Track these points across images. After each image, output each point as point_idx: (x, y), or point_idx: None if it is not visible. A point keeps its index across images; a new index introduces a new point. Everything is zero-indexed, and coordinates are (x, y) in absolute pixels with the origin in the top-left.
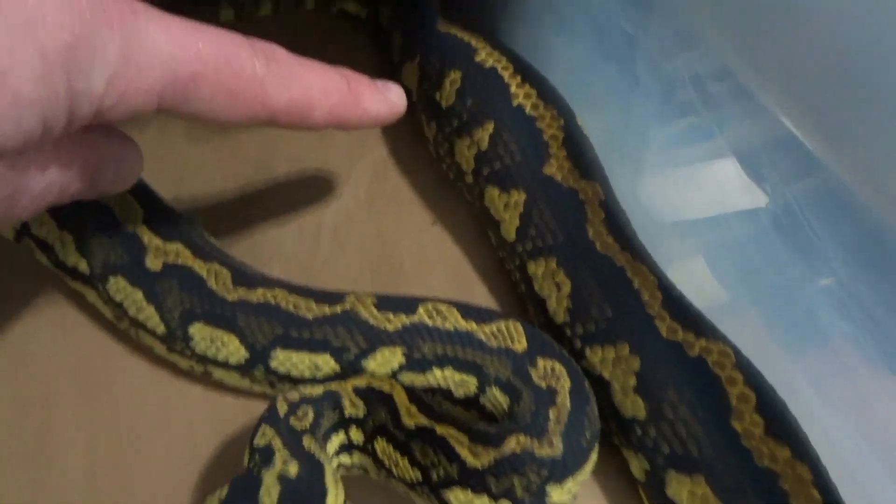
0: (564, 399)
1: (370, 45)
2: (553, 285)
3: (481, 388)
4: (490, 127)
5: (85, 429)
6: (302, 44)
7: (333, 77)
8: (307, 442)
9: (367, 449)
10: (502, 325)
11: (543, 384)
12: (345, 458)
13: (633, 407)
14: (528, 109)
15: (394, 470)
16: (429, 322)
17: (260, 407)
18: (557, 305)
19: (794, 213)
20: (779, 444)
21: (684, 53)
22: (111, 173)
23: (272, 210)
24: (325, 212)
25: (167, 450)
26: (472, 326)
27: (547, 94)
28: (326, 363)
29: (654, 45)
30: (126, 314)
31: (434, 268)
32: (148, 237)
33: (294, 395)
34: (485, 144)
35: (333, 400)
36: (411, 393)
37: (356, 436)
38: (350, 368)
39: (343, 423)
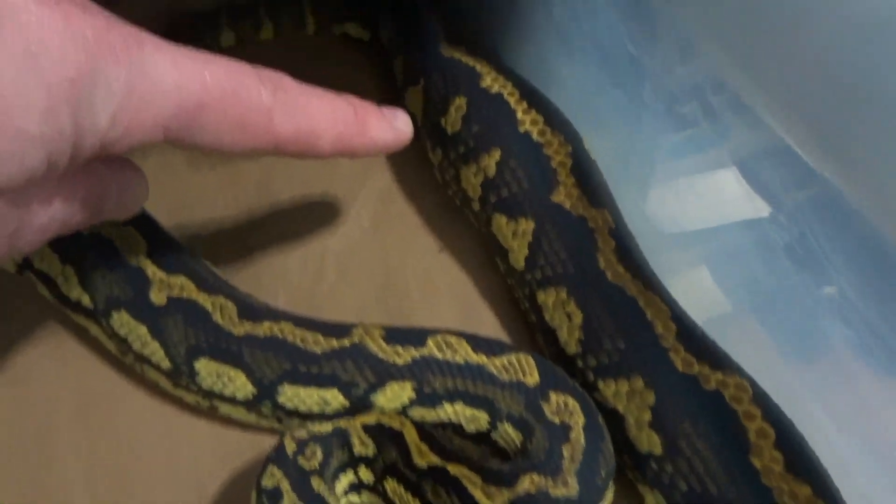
0: (578, 435)
1: (373, 68)
2: (564, 315)
3: (493, 424)
4: (497, 154)
5: (86, 464)
6: (304, 67)
7: (340, 105)
8: (316, 483)
9: (377, 489)
10: (513, 357)
11: (557, 420)
12: (354, 498)
13: (649, 442)
14: (535, 136)
15: None
16: (438, 355)
17: (267, 441)
18: (569, 336)
19: (795, 223)
20: (799, 481)
21: (685, 67)
22: (115, 201)
23: (275, 237)
24: (330, 239)
25: (172, 485)
26: (482, 359)
27: (554, 119)
28: (335, 398)
29: (658, 65)
30: (130, 349)
31: (441, 296)
32: (152, 270)
33: (302, 434)
34: (491, 172)
35: (342, 438)
36: (422, 430)
37: (366, 475)
38: (359, 403)
39: (352, 462)
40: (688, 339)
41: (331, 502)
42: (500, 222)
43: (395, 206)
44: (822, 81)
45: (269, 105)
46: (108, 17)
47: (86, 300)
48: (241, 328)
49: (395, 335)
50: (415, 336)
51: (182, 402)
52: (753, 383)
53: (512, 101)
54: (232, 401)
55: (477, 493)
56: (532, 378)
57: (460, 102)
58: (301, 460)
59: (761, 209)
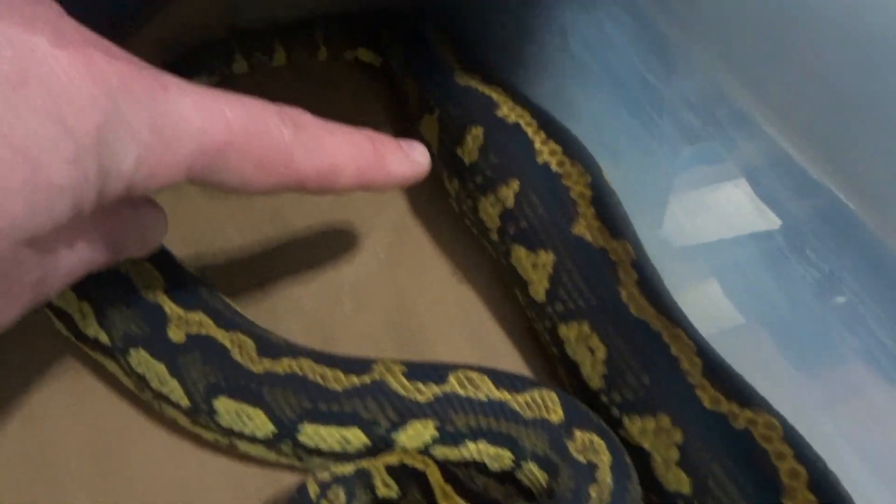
0: (605, 475)
1: (385, 93)
2: (586, 350)
3: (517, 463)
4: (515, 185)
5: (102, 500)
6: (316, 93)
7: (359, 140)
8: None
9: None
10: (536, 394)
11: (582, 458)
12: None
13: (677, 481)
14: (553, 166)
15: None
16: (461, 392)
17: (287, 478)
18: (592, 371)
19: (804, 233)
20: None
21: (696, 87)
22: (137, 240)
23: (290, 267)
24: (346, 269)
25: None
26: (505, 396)
27: (572, 149)
28: (356, 437)
29: (676, 95)
30: (148, 386)
31: (458, 327)
32: (169, 307)
33: (325, 475)
34: (510, 202)
35: (365, 479)
36: (446, 471)
37: None
38: (380, 442)
39: None
40: (715, 376)
41: None
42: (520, 254)
43: (410, 235)
44: (827, 96)
45: (289, 142)
46: (131, 60)
47: (103, 337)
48: (260, 366)
49: (416, 371)
50: (436, 372)
51: (200, 439)
52: (784, 421)
53: (530, 130)
54: (251, 439)
55: None
56: (556, 415)
57: (477, 132)
58: (324, 503)
59: (770, 221)
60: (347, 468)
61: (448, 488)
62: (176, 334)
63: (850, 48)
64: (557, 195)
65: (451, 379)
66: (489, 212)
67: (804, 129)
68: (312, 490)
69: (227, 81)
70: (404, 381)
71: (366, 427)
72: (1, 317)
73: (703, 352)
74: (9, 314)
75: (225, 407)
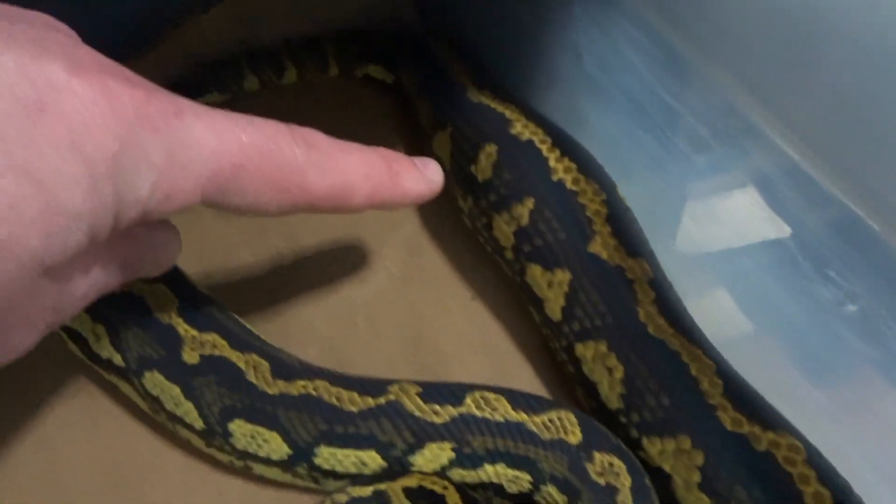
0: (626, 498)
1: (397, 111)
2: (604, 369)
3: (535, 486)
4: (530, 203)
5: None
6: (327, 111)
7: (372, 159)
8: None
9: None
10: (554, 414)
11: (602, 481)
12: None
13: None
14: (568, 184)
15: None
16: (477, 413)
17: (303, 500)
18: (610, 391)
19: (815, 241)
20: None
21: (709, 103)
22: (151, 261)
23: (303, 288)
24: (359, 289)
25: None
26: (522, 417)
27: (587, 166)
28: (373, 459)
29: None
30: (163, 408)
31: (473, 346)
32: (183, 328)
33: (342, 498)
34: (525, 220)
35: (383, 501)
36: (465, 494)
37: None
38: (397, 464)
39: None
40: (736, 397)
41: None
42: (535, 272)
43: (424, 253)
44: (841, 110)
45: (303, 163)
46: (146, 86)
47: (117, 359)
48: (275, 387)
49: (432, 392)
50: (452, 393)
51: (215, 460)
52: (807, 443)
53: (544, 148)
54: (267, 461)
55: None
56: (574, 436)
57: (490, 150)
58: None
59: (781, 229)
60: (365, 490)
61: None
62: (190, 356)
63: (864, 61)
64: (573, 213)
65: (468, 400)
66: (503, 230)
67: (816, 140)
68: None
69: (237, 99)
70: (420, 402)
71: (382, 449)
72: (18, 344)
73: (724, 372)
74: (26, 341)
75: (240, 429)
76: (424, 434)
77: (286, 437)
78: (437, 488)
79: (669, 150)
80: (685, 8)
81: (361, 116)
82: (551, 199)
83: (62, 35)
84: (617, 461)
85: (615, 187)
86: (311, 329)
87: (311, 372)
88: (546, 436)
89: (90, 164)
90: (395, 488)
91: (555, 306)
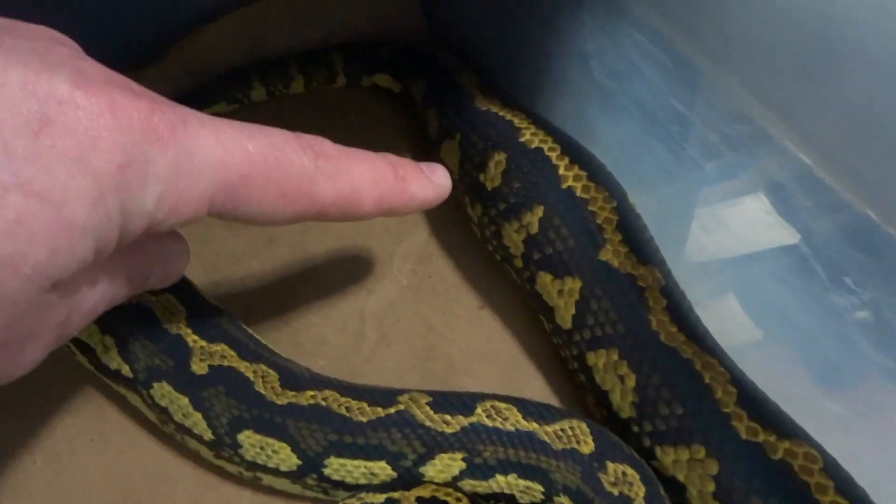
0: None
1: (404, 119)
2: (616, 378)
3: (547, 496)
4: (539, 211)
5: None
6: (335, 120)
7: (380, 166)
8: None
9: None
10: (566, 424)
11: (616, 491)
12: None
13: None
14: (578, 192)
15: None
16: (488, 423)
17: None
18: (622, 400)
19: (828, 247)
20: None
21: (718, 106)
22: (160, 273)
23: (312, 298)
24: (368, 298)
25: None
26: (534, 426)
27: (597, 174)
28: (383, 470)
29: (699, 118)
30: (171, 419)
31: (483, 354)
32: (192, 339)
33: None
34: (534, 228)
35: None
36: None
37: None
38: (407, 475)
39: None
40: (750, 405)
41: None
42: (546, 280)
43: (433, 262)
44: (853, 118)
45: (311, 171)
46: (151, 98)
47: (126, 370)
48: (284, 398)
49: (443, 402)
50: (462, 403)
51: (224, 471)
52: (824, 452)
53: (553, 156)
54: (276, 472)
55: None
56: (587, 446)
57: (500, 158)
58: None
59: (793, 235)
60: (378, 498)
61: None
62: (199, 367)
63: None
64: (583, 221)
65: (479, 409)
66: (513, 238)
67: (829, 145)
68: None
69: (245, 109)
70: (430, 412)
71: (392, 460)
72: (27, 359)
73: (738, 380)
74: (35, 355)
75: (249, 440)
76: (435, 444)
77: (295, 448)
78: (451, 500)
79: (679, 157)
80: (694, 15)
81: (369, 126)
82: (561, 206)
83: (66, 48)
84: (630, 471)
85: (625, 195)
86: (320, 339)
87: (321, 382)
88: (558, 446)
89: (96, 178)
90: (408, 497)
91: (565, 314)
